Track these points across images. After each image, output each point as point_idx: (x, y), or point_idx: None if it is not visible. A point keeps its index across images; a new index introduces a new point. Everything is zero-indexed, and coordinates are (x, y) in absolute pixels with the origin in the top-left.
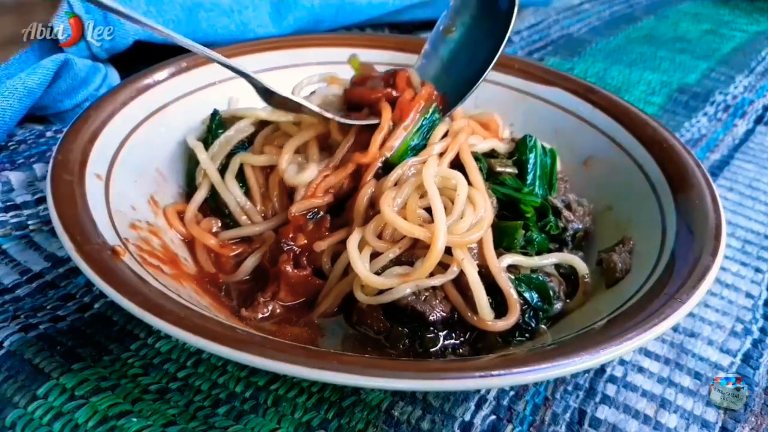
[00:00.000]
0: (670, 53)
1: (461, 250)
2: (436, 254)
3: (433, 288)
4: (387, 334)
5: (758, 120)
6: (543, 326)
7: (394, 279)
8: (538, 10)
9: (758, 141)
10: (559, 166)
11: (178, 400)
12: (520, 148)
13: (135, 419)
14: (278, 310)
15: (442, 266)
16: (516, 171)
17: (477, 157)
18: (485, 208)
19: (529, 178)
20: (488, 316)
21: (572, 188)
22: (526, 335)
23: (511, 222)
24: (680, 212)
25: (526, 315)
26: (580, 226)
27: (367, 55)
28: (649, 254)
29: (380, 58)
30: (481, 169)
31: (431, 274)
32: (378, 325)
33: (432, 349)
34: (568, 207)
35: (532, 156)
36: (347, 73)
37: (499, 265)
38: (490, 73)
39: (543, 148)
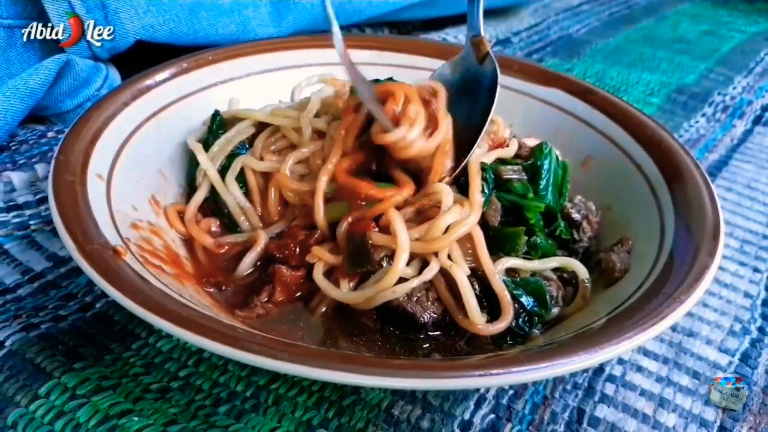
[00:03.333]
0: (668, 54)
1: (444, 254)
2: (398, 267)
3: (426, 289)
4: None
5: (756, 120)
6: (536, 331)
7: (363, 292)
8: (537, 11)
9: (756, 141)
10: None
11: (180, 399)
12: (536, 154)
13: (136, 418)
14: (274, 310)
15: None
16: (525, 177)
17: (483, 167)
18: (468, 214)
19: (542, 183)
20: (478, 320)
21: (572, 189)
22: (518, 339)
23: (514, 227)
24: (679, 212)
25: (520, 319)
26: (592, 235)
27: (366, 55)
28: (648, 254)
29: (379, 59)
30: (486, 179)
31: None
32: (370, 325)
33: (425, 346)
34: (586, 219)
35: (546, 162)
36: (346, 75)
37: (493, 267)
38: None
39: (557, 157)
